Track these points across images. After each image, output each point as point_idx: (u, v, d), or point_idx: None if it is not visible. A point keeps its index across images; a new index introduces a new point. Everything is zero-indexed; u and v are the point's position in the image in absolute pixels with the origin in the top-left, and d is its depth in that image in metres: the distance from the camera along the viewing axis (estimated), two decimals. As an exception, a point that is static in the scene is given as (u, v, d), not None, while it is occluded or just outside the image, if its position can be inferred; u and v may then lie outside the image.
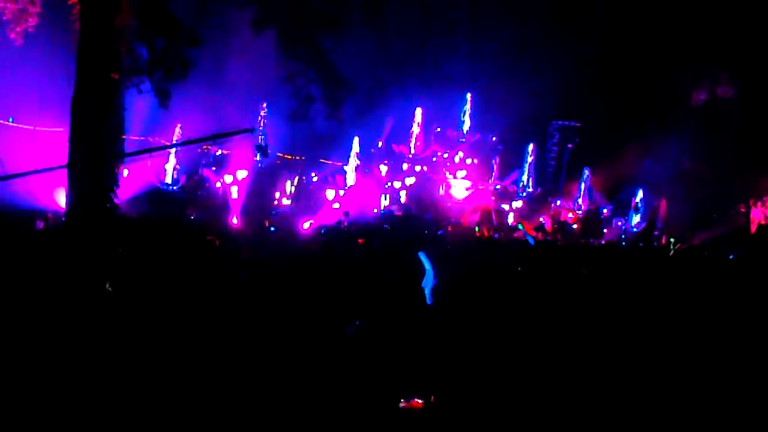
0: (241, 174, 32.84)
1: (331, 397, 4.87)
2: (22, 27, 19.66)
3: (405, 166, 38.93)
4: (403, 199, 37.60)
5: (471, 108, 42.02)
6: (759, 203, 28.86)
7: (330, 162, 38.20)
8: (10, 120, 22.07)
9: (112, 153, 12.42)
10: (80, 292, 6.43)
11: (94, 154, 11.69)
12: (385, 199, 37.22)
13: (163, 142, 33.32)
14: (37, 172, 10.74)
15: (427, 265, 7.05)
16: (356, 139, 38.40)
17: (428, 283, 6.99)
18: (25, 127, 22.68)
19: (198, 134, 32.14)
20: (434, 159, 40.42)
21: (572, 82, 35.83)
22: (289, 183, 35.04)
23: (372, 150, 40.01)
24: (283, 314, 6.20)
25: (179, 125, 33.70)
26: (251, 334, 5.80)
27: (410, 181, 38.19)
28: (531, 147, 42.50)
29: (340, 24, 27.25)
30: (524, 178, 42.42)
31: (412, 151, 40.78)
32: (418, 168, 39.13)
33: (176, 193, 31.05)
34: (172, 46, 16.28)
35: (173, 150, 34.43)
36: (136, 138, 29.12)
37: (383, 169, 38.70)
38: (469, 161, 40.27)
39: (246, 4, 30.57)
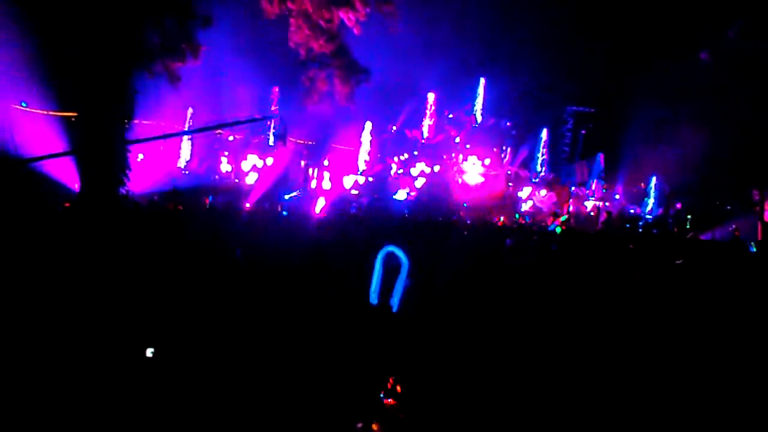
0: (252, 162, 32.93)
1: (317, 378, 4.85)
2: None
3: (416, 170, 38.26)
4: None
5: (485, 93, 41.74)
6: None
7: (342, 147, 38.11)
8: (23, 104, 22.04)
9: (121, 138, 12.35)
10: (87, 271, 6.44)
11: (101, 139, 11.63)
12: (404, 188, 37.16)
13: (175, 126, 33.33)
14: (48, 157, 10.70)
15: (402, 258, 6.31)
16: (368, 124, 38.28)
17: (401, 281, 6.26)
18: (38, 111, 22.65)
19: (209, 118, 32.10)
20: (452, 149, 40.00)
21: (587, 68, 35.53)
22: (308, 169, 35.10)
23: (384, 135, 39.88)
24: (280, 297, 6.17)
25: (191, 109, 33.69)
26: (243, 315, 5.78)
27: (420, 182, 37.92)
28: (545, 132, 42.27)
29: (354, 6, 26.97)
30: (538, 163, 42.23)
31: (425, 135, 40.57)
32: (427, 171, 38.56)
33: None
34: (183, 28, 16.17)
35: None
36: (148, 122, 29.11)
37: (394, 168, 38.48)
38: (478, 161, 39.83)
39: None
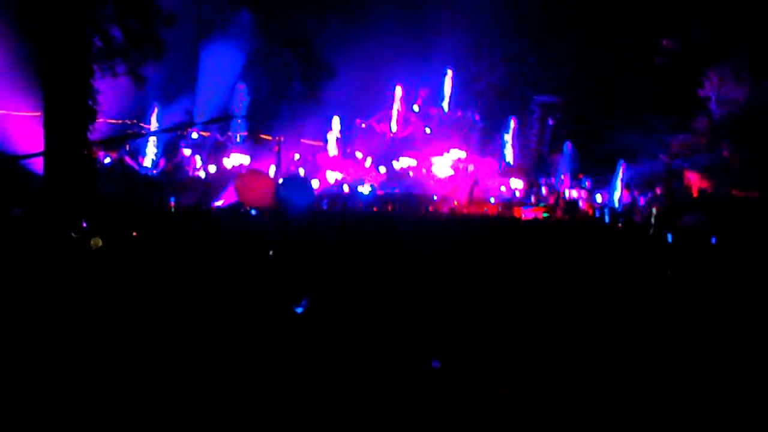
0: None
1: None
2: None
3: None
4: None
5: (452, 84, 41.84)
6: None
7: (311, 142, 38.00)
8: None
9: (86, 140, 12.19)
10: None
11: (67, 142, 11.47)
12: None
13: (141, 124, 32.94)
14: (13, 159, 10.56)
15: None
16: (336, 119, 38.21)
17: None
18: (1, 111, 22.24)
19: (175, 115, 31.79)
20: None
21: (553, 57, 35.83)
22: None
23: (352, 130, 39.87)
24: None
25: (156, 108, 33.26)
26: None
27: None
28: (512, 123, 42.45)
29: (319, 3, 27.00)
30: (506, 153, 42.40)
31: (393, 129, 40.57)
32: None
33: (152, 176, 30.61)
34: (147, 27, 16.00)
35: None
36: (114, 121, 28.71)
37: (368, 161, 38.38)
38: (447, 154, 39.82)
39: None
